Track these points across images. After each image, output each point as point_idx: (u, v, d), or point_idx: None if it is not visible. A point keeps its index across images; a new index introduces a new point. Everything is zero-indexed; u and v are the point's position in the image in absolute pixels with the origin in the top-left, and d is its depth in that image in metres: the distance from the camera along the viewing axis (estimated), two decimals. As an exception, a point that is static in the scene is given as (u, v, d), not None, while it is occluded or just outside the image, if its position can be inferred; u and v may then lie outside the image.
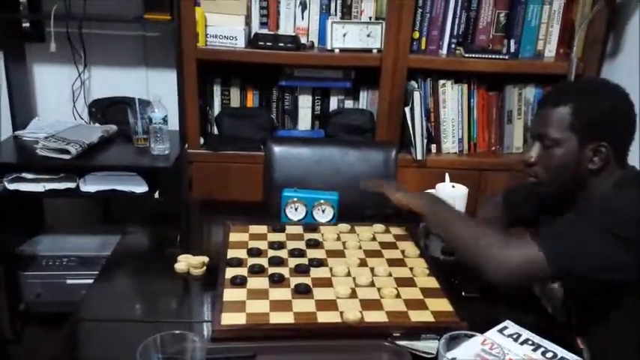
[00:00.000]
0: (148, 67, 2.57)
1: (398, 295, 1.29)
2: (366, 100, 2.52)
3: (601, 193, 1.27)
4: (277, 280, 1.32)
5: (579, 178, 1.29)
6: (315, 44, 2.42)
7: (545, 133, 1.29)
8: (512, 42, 2.43)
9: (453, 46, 2.43)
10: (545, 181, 1.33)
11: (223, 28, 2.30)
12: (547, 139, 1.29)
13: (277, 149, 2.00)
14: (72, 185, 2.22)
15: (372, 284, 1.33)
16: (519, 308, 1.28)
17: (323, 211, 1.65)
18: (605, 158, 1.26)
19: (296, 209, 1.65)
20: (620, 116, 1.28)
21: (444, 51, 2.43)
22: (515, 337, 1.18)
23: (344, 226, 1.62)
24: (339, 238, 1.56)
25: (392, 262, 1.44)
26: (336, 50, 2.34)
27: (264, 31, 2.39)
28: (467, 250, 1.31)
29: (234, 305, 1.23)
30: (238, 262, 1.40)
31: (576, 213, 1.25)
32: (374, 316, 1.22)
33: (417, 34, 2.38)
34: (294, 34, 2.37)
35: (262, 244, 1.50)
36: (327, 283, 1.34)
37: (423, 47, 2.41)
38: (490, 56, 2.37)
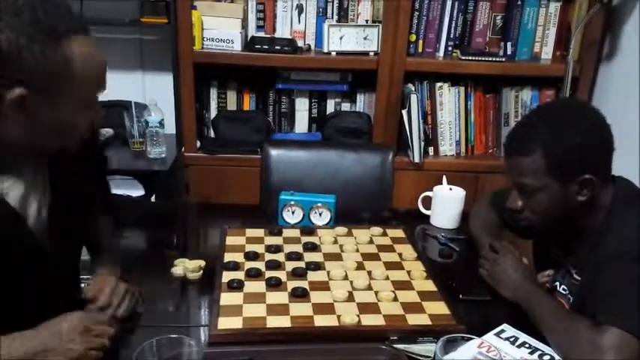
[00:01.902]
0: (145, 70, 2.56)
1: (395, 299, 1.29)
2: (363, 102, 2.52)
3: (606, 221, 1.24)
4: (274, 284, 1.32)
5: (572, 212, 1.26)
6: (312, 47, 2.42)
7: (522, 183, 1.26)
8: (508, 44, 2.44)
9: (450, 48, 2.43)
10: (537, 224, 1.31)
11: (220, 31, 2.30)
12: (527, 188, 1.26)
13: (274, 152, 1.99)
14: (68, 189, 2.21)
15: (370, 287, 1.33)
16: (516, 312, 1.28)
17: (320, 214, 1.65)
18: (593, 188, 1.23)
19: (293, 212, 1.65)
20: (594, 144, 1.23)
21: (441, 54, 2.43)
22: (512, 340, 1.18)
23: (341, 229, 1.61)
24: (336, 242, 1.55)
25: (389, 265, 1.44)
26: (333, 53, 2.34)
27: (261, 34, 2.39)
28: (559, 350, 1.17)
29: (230, 309, 1.22)
30: (235, 266, 1.39)
31: (597, 253, 1.22)
32: (371, 320, 1.21)
33: (413, 37, 2.38)
34: (290, 37, 2.38)
35: (259, 248, 1.49)
36: (324, 286, 1.33)
37: (419, 50, 2.42)
38: (487, 59, 2.37)
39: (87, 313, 1.12)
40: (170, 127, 2.40)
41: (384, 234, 1.61)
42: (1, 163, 1.04)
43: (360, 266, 1.43)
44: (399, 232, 1.62)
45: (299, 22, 2.40)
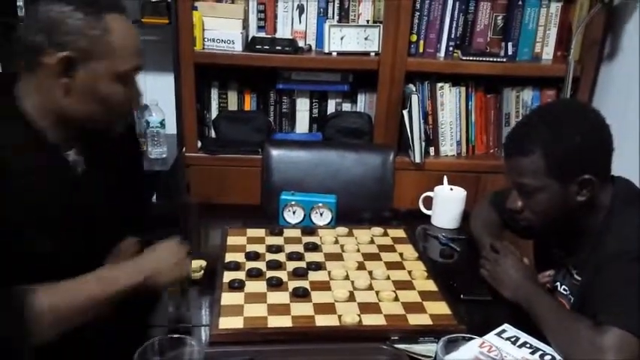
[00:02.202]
0: (146, 70, 2.54)
1: (396, 298, 1.29)
2: (364, 103, 2.52)
3: (606, 222, 1.25)
4: (275, 284, 1.32)
5: (572, 212, 1.27)
6: (313, 47, 2.42)
7: (522, 183, 1.26)
8: (509, 45, 2.43)
9: (451, 49, 2.43)
10: (537, 224, 1.31)
11: (221, 31, 2.30)
12: (526, 188, 1.26)
13: (275, 152, 1.99)
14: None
15: (371, 287, 1.33)
16: (517, 312, 1.28)
17: (321, 214, 1.65)
18: (592, 188, 1.23)
19: (294, 212, 1.65)
20: (594, 145, 1.23)
21: (442, 54, 2.43)
22: (513, 340, 1.18)
23: (342, 229, 1.61)
24: (337, 241, 1.56)
25: (390, 265, 1.44)
26: (334, 53, 2.34)
27: (262, 34, 2.39)
28: (560, 350, 1.17)
29: (231, 309, 1.22)
30: (236, 266, 1.39)
31: (597, 253, 1.22)
32: (372, 320, 1.21)
33: (414, 37, 2.38)
34: (291, 37, 2.38)
35: (260, 248, 1.49)
36: (325, 286, 1.33)
37: (420, 50, 2.42)
38: (488, 59, 2.37)
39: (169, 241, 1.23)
40: (171, 128, 2.40)
41: (385, 234, 1.61)
42: (64, 134, 1.14)
43: (361, 266, 1.43)
44: (399, 232, 1.62)
45: (300, 22, 2.40)
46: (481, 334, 1.14)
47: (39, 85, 1.09)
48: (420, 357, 1.12)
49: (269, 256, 1.46)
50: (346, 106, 2.53)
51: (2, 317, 0.99)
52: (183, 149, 2.42)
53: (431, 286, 1.36)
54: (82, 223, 1.18)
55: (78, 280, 1.07)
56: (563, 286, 1.36)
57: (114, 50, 1.08)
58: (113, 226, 1.28)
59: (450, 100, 2.45)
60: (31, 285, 1.02)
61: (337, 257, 1.47)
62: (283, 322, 1.19)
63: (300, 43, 2.39)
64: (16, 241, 1.06)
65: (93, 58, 1.06)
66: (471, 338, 1.05)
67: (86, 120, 1.13)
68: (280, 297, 1.28)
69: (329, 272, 1.39)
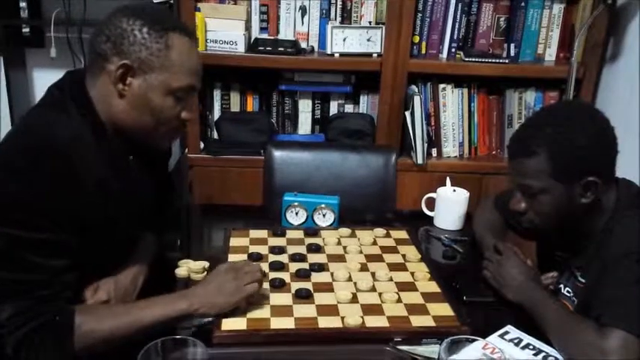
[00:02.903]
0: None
1: (399, 300, 1.29)
2: (366, 104, 2.52)
3: (610, 223, 1.25)
4: (278, 285, 1.32)
5: (575, 214, 1.27)
6: (315, 49, 2.42)
7: (526, 185, 1.26)
8: (512, 46, 2.43)
9: (453, 50, 2.43)
10: (540, 226, 1.31)
11: (223, 33, 2.30)
12: (530, 190, 1.26)
13: (277, 154, 2.00)
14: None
15: (373, 289, 1.33)
16: (521, 313, 1.28)
17: (324, 216, 1.65)
18: (596, 190, 1.23)
19: (296, 214, 1.65)
20: (599, 146, 1.23)
21: (444, 55, 2.43)
22: (516, 341, 1.18)
23: (345, 231, 1.61)
24: (339, 243, 1.56)
25: (393, 267, 1.44)
26: (336, 55, 2.34)
27: (264, 36, 2.39)
28: (563, 352, 1.16)
29: (234, 310, 1.22)
30: (239, 267, 1.39)
31: (601, 255, 1.22)
32: (375, 321, 1.21)
33: (417, 39, 2.38)
34: (294, 38, 2.38)
35: (263, 249, 1.49)
36: (328, 287, 1.33)
37: (423, 51, 2.42)
38: (490, 60, 2.37)
39: (229, 262, 1.30)
40: (174, 129, 2.40)
41: (388, 235, 1.61)
42: (118, 144, 1.20)
43: (363, 267, 1.43)
44: (402, 234, 1.62)
45: (302, 23, 2.40)
46: (484, 336, 1.13)
47: (100, 89, 1.16)
48: (422, 359, 1.12)
49: (272, 258, 1.46)
50: (348, 108, 2.53)
51: (49, 345, 1.04)
52: (186, 150, 2.42)
53: (434, 287, 1.35)
54: (136, 218, 1.28)
55: (125, 306, 1.16)
56: (567, 288, 1.36)
57: (171, 66, 1.14)
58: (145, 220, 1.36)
59: (452, 101, 2.45)
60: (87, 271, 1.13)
61: (340, 258, 1.47)
62: (286, 323, 1.19)
63: (303, 45, 2.40)
64: (102, 229, 1.14)
65: (150, 69, 1.13)
66: (474, 340, 1.05)
67: (135, 129, 1.18)
68: (283, 298, 1.28)
69: (332, 273, 1.39)
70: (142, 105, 1.15)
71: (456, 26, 2.40)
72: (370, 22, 2.39)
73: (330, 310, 1.24)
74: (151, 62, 1.13)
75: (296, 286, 1.32)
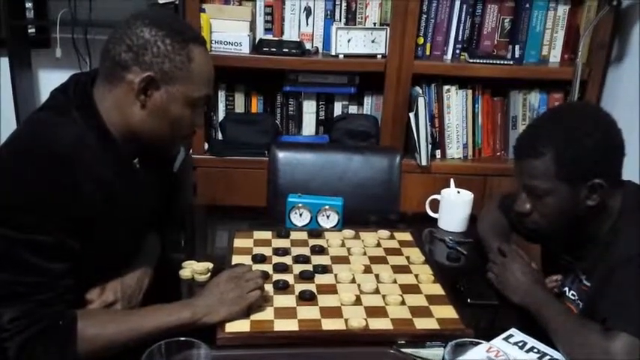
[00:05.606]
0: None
1: (403, 302, 1.29)
2: (370, 105, 2.52)
3: (616, 226, 1.24)
4: (282, 287, 1.32)
5: (581, 216, 1.26)
6: (320, 50, 2.42)
7: (531, 186, 1.26)
8: (516, 47, 2.43)
9: (458, 51, 2.43)
10: (545, 228, 1.30)
11: (228, 34, 2.31)
12: (536, 191, 1.26)
13: (281, 155, 1.99)
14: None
15: (377, 291, 1.33)
16: (525, 316, 1.27)
17: (328, 217, 1.64)
18: (602, 192, 1.22)
19: (300, 215, 1.65)
20: (606, 149, 1.23)
21: (449, 56, 2.43)
22: (520, 345, 1.18)
23: (348, 232, 1.61)
24: (343, 244, 1.55)
25: (397, 269, 1.44)
26: (341, 56, 2.34)
27: (269, 37, 2.39)
28: (568, 355, 1.16)
29: (238, 312, 1.22)
30: (243, 269, 1.39)
31: (606, 258, 1.21)
32: (379, 324, 1.21)
33: (421, 40, 2.38)
34: (298, 39, 2.38)
35: (267, 250, 1.49)
36: (331, 289, 1.33)
37: (427, 53, 2.41)
38: (495, 62, 2.36)
39: (229, 269, 1.28)
40: (178, 129, 2.40)
41: (392, 237, 1.61)
42: (123, 148, 1.19)
43: (367, 269, 1.43)
44: (406, 236, 1.62)
45: (307, 24, 2.40)
46: (488, 339, 1.13)
47: (116, 97, 1.15)
48: (426, 361, 1.12)
49: (275, 259, 1.46)
50: (353, 109, 2.53)
51: (52, 350, 1.04)
52: (190, 151, 2.42)
53: (438, 290, 1.35)
54: (141, 220, 1.29)
55: (127, 312, 1.17)
56: (572, 291, 1.36)
57: (192, 77, 1.15)
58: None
59: (456, 102, 2.44)
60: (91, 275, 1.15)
61: (344, 260, 1.47)
62: (289, 325, 1.19)
63: (307, 46, 2.40)
64: (103, 233, 1.13)
65: (172, 81, 1.14)
66: (478, 343, 1.05)
67: (152, 137, 1.19)
68: (287, 300, 1.28)
69: (335, 275, 1.39)
70: (162, 115, 1.16)
71: (461, 27, 2.40)
72: (375, 24, 2.39)
73: (334, 312, 1.24)
74: (173, 74, 1.13)
75: (300, 287, 1.32)
